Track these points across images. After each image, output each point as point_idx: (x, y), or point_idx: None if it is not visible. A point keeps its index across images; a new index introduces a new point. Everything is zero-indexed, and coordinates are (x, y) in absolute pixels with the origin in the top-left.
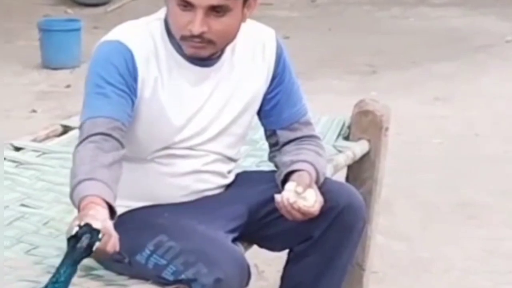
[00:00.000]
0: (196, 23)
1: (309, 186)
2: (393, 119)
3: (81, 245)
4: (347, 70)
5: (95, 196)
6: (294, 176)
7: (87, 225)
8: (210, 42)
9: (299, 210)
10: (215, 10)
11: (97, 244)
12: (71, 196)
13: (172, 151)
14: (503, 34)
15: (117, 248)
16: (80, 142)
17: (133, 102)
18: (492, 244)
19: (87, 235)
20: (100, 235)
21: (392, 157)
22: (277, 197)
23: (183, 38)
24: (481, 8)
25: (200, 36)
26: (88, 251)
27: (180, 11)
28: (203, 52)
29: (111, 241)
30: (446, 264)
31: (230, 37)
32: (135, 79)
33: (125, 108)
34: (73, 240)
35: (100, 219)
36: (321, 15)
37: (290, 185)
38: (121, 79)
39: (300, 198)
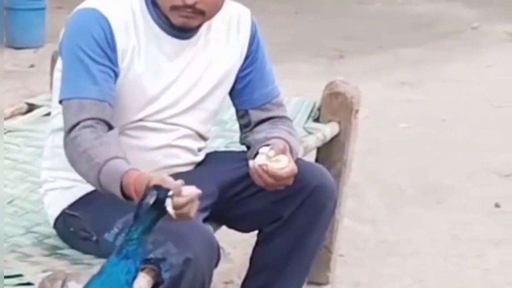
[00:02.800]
0: None
1: (283, 152)
2: (360, 103)
3: (147, 201)
4: (315, 54)
5: (134, 169)
6: (271, 141)
7: (155, 186)
8: (201, 12)
9: (267, 172)
10: None
11: (168, 201)
12: (98, 177)
13: (144, 123)
14: (469, 21)
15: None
16: (73, 127)
17: (116, 75)
18: (458, 228)
19: (153, 192)
20: (170, 193)
21: (360, 141)
22: (250, 162)
23: (174, 8)
24: None
25: (192, 6)
26: (158, 208)
27: None
28: (192, 22)
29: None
30: (412, 247)
31: (218, 8)
32: (114, 49)
33: (110, 85)
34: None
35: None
36: None
37: (263, 149)
38: (102, 53)
39: (272, 161)
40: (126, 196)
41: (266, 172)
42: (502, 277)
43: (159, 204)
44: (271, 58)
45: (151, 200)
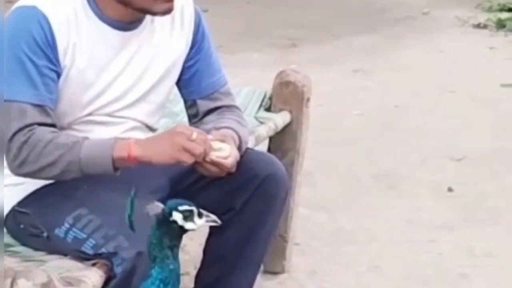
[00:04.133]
0: None
1: (222, 140)
2: (314, 92)
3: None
4: (267, 44)
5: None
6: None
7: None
8: None
9: (212, 162)
10: None
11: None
12: (78, 155)
13: (91, 118)
14: (420, 6)
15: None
16: (19, 130)
17: (58, 74)
18: (411, 214)
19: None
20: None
21: (314, 129)
22: None
23: None
24: None
25: None
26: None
27: None
28: (172, 5)
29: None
30: (367, 235)
31: None
32: (55, 48)
33: (50, 88)
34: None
35: None
36: None
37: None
38: (42, 53)
39: (215, 150)
40: (116, 168)
41: (211, 162)
42: (456, 262)
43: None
44: (223, 48)
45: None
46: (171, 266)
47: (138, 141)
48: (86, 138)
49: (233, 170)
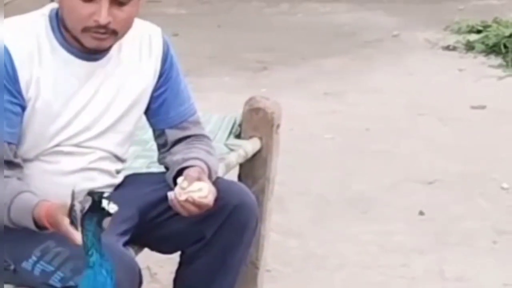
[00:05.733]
0: (103, 13)
1: (198, 179)
2: (284, 115)
3: (81, 209)
4: (238, 67)
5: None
6: (185, 171)
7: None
8: (114, 32)
9: (193, 202)
10: (118, 0)
11: (105, 201)
12: (8, 216)
13: (58, 148)
14: (390, 29)
15: None
16: None
17: (22, 107)
18: (384, 238)
19: (87, 198)
20: (105, 194)
21: (285, 153)
22: (170, 194)
23: (86, 29)
24: (368, 3)
25: (105, 26)
26: (97, 211)
27: (82, 2)
28: (105, 44)
29: None
30: (339, 260)
31: (130, 27)
32: (17, 82)
33: (11, 122)
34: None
35: None
36: (210, 12)
37: (180, 180)
38: (4, 88)
39: (192, 192)
40: (40, 227)
41: (192, 203)
42: (428, 286)
43: (97, 207)
44: (194, 72)
45: (86, 205)
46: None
47: (48, 210)
48: (19, 193)
49: (212, 205)
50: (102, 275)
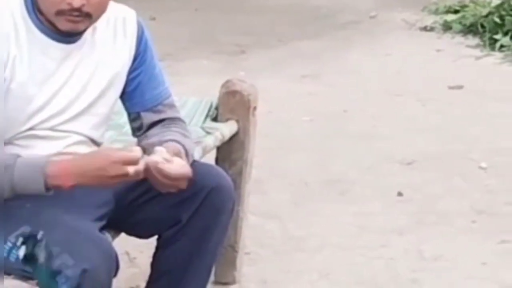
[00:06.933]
0: None
1: (177, 155)
2: (262, 98)
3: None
4: (216, 50)
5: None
6: (164, 144)
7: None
8: (87, 15)
9: (161, 172)
10: None
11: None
12: (11, 180)
13: (33, 132)
14: (367, 10)
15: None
16: None
17: None
18: (363, 219)
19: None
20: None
21: (263, 136)
22: (144, 158)
23: (60, 12)
24: None
25: (79, 9)
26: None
27: None
28: (79, 26)
29: None
30: (318, 241)
31: (104, 10)
32: None
33: None
34: None
35: None
36: None
37: (158, 148)
38: None
39: (165, 162)
40: (50, 188)
41: (160, 171)
42: (407, 266)
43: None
44: (172, 56)
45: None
46: None
47: (73, 164)
48: (18, 156)
49: (184, 186)
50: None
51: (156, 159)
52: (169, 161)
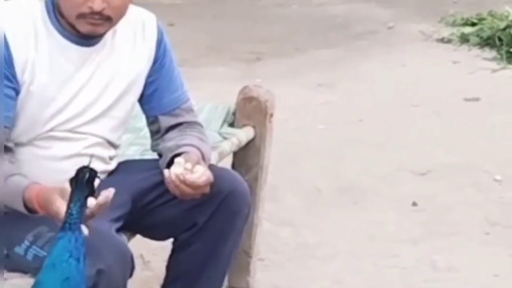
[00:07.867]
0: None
1: (198, 162)
2: (278, 105)
3: (81, 181)
4: (233, 58)
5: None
6: (182, 155)
7: (86, 166)
8: (108, 18)
9: (185, 182)
10: None
11: (97, 180)
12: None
13: (52, 133)
14: (385, 21)
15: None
16: None
17: (16, 91)
18: (375, 227)
19: (86, 170)
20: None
21: (278, 143)
22: (165, 172)
23: (81, 15)
24: None
25: (100, 12)
26: (90, 186)
27: None
28: (100, 29)
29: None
30: (331, 249)
31: (124, 13)
32: (11, 65)
33: (6, 106)
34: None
35: None
36: (205, 3)
37: (178, 159)
38: None
39: (188, 172)
40: (30, 210)
41: (183, 182)
42: (419, 276)
43: (90, 182)
44: (189, 62)
45: (84, 178)
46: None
47: (38, 195)
48: (12, 175)
49: (207, 191)
50: (70, 238)
51: (177, 171)
52: (191, 171)
